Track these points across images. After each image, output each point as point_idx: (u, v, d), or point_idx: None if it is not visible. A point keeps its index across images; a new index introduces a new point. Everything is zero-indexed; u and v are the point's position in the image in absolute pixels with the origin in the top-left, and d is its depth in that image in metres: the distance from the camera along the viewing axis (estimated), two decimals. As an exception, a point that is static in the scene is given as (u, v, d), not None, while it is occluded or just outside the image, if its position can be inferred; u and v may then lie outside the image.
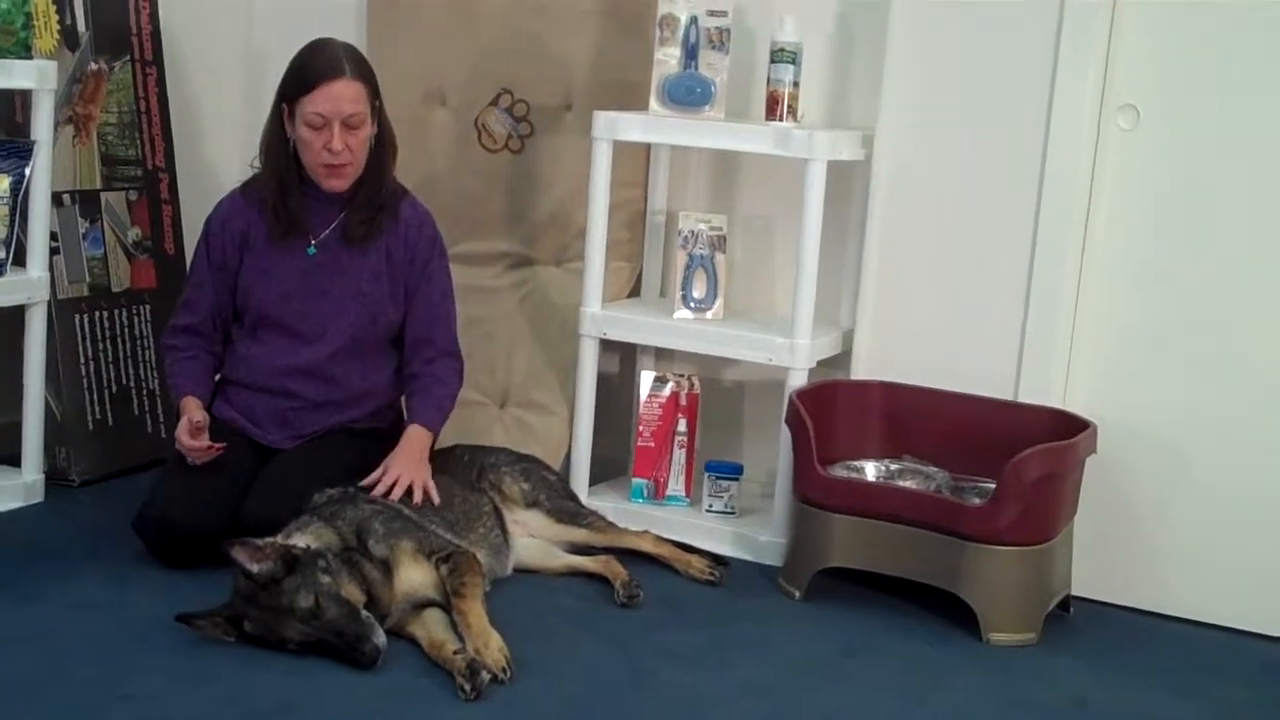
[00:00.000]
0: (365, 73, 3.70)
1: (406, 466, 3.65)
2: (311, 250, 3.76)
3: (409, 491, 3.58)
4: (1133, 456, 3.74)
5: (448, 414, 3.86)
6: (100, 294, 4.38)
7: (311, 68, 3.66)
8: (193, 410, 3.67)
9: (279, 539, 3.27)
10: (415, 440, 3.74)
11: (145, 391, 4.48)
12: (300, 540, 3.27)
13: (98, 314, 4.36)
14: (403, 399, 3.89)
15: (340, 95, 3.62)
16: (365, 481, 3.61)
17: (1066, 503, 3.62)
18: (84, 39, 4.37)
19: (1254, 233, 3.63)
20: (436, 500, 3.62)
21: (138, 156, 4.55)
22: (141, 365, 4.47)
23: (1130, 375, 3.78)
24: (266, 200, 3.73)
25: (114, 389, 4.38)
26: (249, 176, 3.83)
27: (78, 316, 4.30)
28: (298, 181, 3.73)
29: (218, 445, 3.62)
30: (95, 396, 4.33)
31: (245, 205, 3.78)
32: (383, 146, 3.77)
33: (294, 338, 3.78)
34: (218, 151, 4.81)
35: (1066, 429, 3.64)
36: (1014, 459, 3.45)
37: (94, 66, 4.41)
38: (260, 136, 3.77)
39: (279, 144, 3.72)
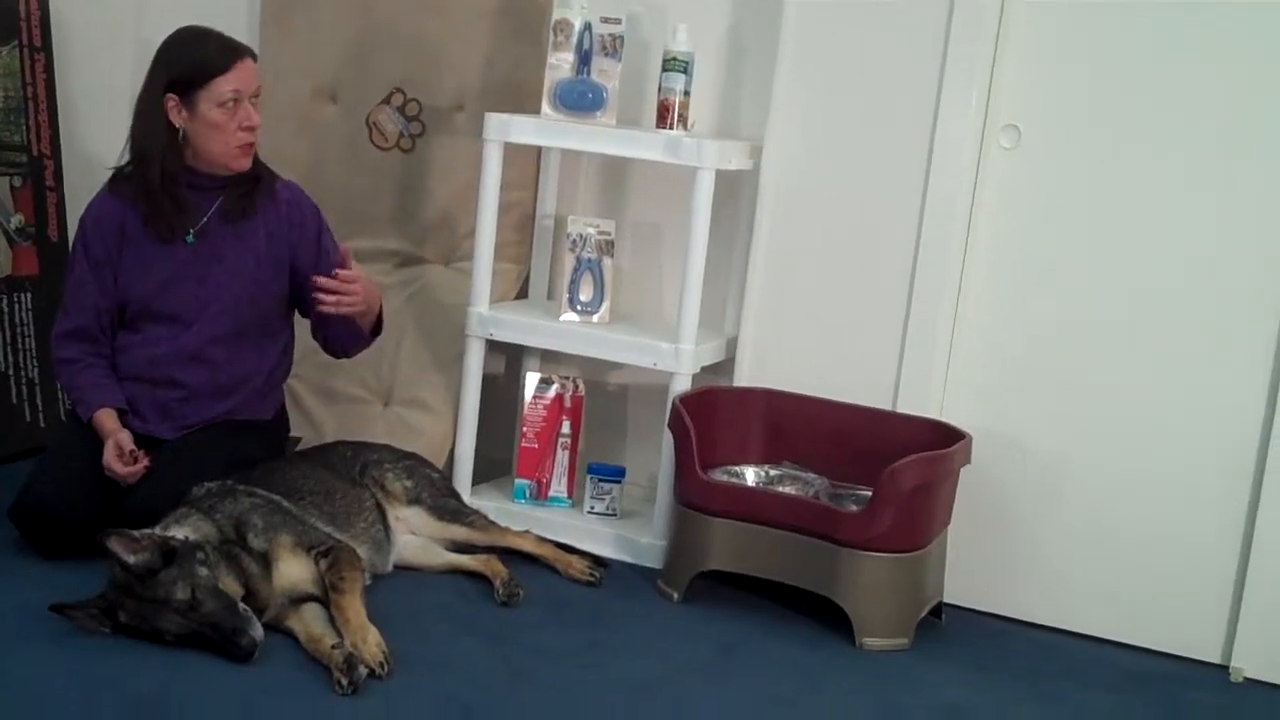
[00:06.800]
0: None
1: (369, 284, 3.75)
2: (190, 239, 3.73)
3: (288, 485, 3.56)
4: (1006, 468, 3.83)
5: (379, 332, 3.92)
6: (-20, 280, 4.34)
7: (217, 51, 3.66)
8: (115, 431, 3.64)
9: (157, 530, 3.25)
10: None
11: (24, 380, 4.42)
12: (178, 532, 3.25)
13: (-23, 300, 4.32)
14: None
15: (251, 71, 3.69)
16: (323, 282, 3.65)
17: (940, 511, 3.70)
18: (-30, 22, 4.32)
19: (1129, 250, 3.72)
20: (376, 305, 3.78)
21: (23, 142, 4.49)
22: (21, 353, 4.42)
23: (1006, 389, 3.86)
24: (148, 194, 3.68)
25: (-8, 377, 4.34)
26: (112, 174, 3.78)
27: (-44, 302, 4.25)
28: (183, 171, 3.70)
29: (145, 462, 3.60)
30: (-28, 384, 4.27)
31: (117, 202, 3.73)
32: None
33: (174, 324, 3.74)
34: (104, 139, 4.71)
35: (943, 439, 3.71)
36: (890, 467, 3.51)
37: (-20, 51, 4.36)
38: (130, 132, 3.73)
39: (162, 135, 3.66)
